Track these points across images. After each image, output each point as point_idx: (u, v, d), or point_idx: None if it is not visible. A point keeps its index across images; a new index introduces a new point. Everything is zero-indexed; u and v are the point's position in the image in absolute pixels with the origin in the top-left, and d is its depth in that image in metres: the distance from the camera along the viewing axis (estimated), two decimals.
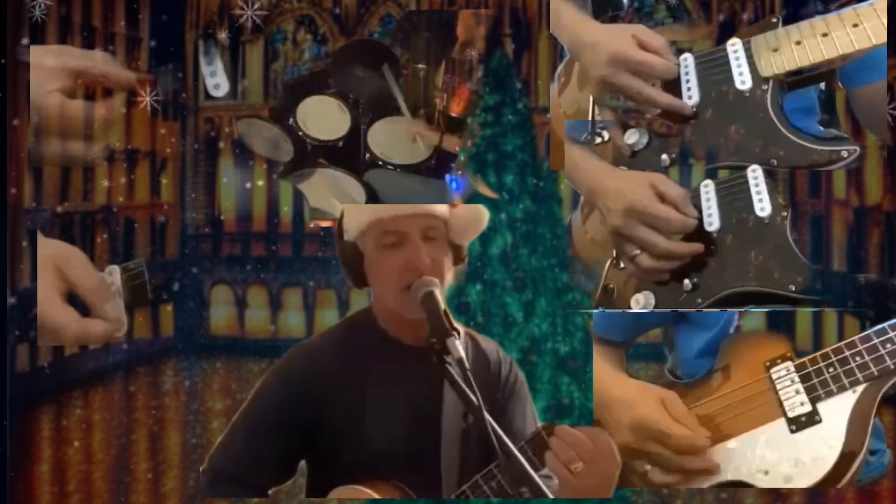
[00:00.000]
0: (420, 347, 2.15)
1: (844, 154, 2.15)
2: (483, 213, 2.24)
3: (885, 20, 2.17)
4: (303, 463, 2.26)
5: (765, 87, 2.22)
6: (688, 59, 2.29)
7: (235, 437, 2.21)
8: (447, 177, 2.83)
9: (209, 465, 2.22)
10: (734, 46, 2.26)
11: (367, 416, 2.17)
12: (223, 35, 2.00)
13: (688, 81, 2.27)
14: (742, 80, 2.24)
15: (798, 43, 2.24)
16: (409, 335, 2.20)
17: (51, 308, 1.61)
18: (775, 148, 2.19)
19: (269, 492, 2.21)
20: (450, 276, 2.18)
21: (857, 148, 2.16)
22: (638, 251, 2.26)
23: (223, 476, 2.20)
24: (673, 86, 2.30)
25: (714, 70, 2.27)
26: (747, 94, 2.23)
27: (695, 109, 2.26)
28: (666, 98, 2.28)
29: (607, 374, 2.35)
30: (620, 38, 2.28)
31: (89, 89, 1.84)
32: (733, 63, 2.25)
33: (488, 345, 2.31)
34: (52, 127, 1.76)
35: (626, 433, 2.23)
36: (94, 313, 1.64)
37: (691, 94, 2.26)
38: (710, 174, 2.32)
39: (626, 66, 2.25)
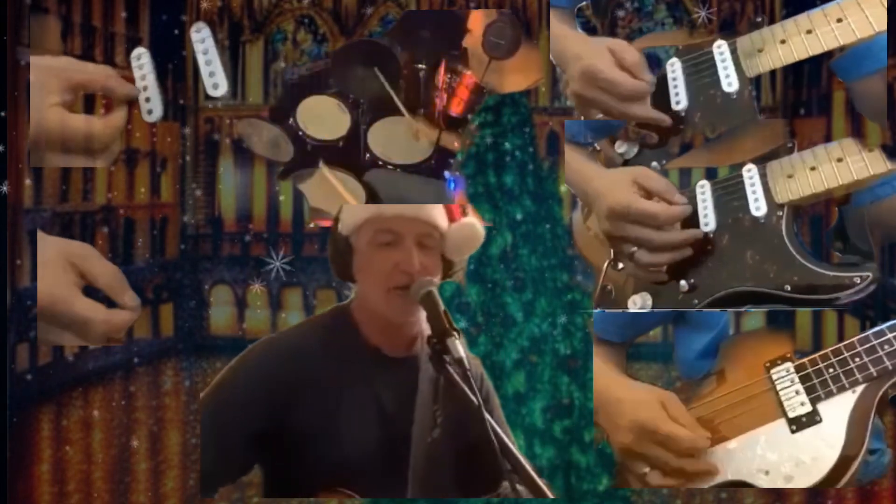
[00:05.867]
0: (398, 358, 2.14)
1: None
2: (479, 232, 2.21)
3: (868, 13, 2.17)
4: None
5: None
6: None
7: (204, 433, 2.18)
8: (446, 174, 2.83)
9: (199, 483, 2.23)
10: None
11: (333, 423, 2.14)
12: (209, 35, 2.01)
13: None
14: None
15: (783, 42, 2.24)
16: (388, 343, 2.17)
17: (75, 303, 1.62)
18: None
19: (218, 490, 2.18)
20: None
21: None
22: (635, 248, 2.26)
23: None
24: (660, 92, 2.30)
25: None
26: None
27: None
28: (640, 111, 2.27)
29: (607, 375, 2.34)
30: (596, 53, 2.26)
31: (88, 95, 1.84)
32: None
33: None
34: (53, 142, 1.76)
35: (626, 434, 2.23)
36: (113, 303, 1.66)
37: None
38: (709, 175, 2.33)
39: (595, 82, 2.25)
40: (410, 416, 2.12)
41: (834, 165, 2.18)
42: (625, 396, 2.26)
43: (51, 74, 1.74)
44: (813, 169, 2.20)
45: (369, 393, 2.14)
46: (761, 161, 2.25)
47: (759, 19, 2.25)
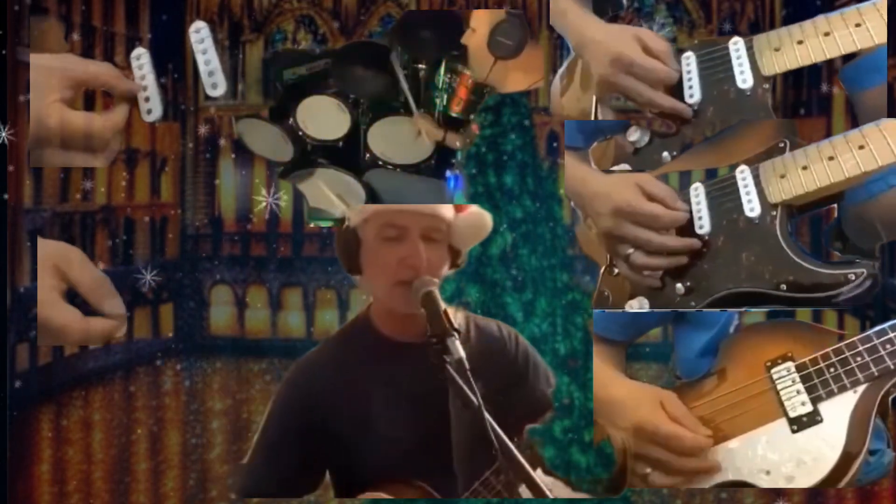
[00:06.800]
0: (414, 344, 2.15)
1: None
2: (487, 221, 2.24)
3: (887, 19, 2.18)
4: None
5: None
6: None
7: (257, 461, 2.23)
8: (447, 172, 2.83)
9: (241, 485, 2.25)
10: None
11: (375, 421, 2.17)
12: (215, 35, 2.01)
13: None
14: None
15: (800, 42, 2.24)
16: (402, 332, 2.20)
17: (52, 308, 1.60)
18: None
19: (305, 496, 2.25)
20: (441, 278, 2.18)
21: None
22: (631, 250, 2.26)
23: (255, 493, 2.24)
24: (675, 89, 2.30)
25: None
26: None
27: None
28: (667, 101, 2.28)
29: (606, 375, 2.35)
30: (624, 40, 2.28)
31: (88, 92, 1.84)
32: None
33: (489, 325, 2.32)
34: (53, 139, 1.75)
35: (625, 435, 2.23)
36: (95, 311, 1.63)
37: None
38: (709, 175, 2.33)
39: (628, 68, 2.26)
40: (444, 397, 2.13)
41: (826, 164, 2.18)
42: (624, 396, 2.26)
43: (51, 72, 1.73)
44: (805, 168, 2.19)
45: (398, 384, 2.17)
46: (754, 161, 2.26)
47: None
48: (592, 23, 2.35)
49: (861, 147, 2.15)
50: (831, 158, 2.17)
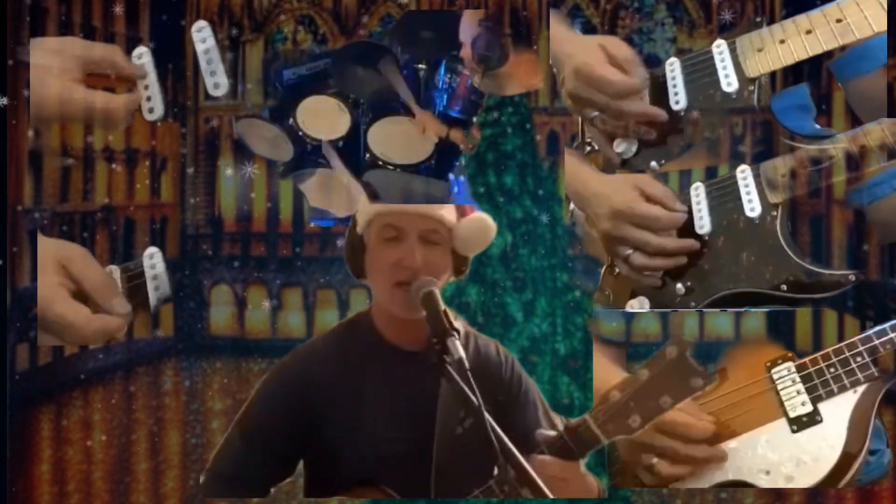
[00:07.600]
0: (415, 352, 2.15)
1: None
2: (490, 227, 2.23)
3: (867, 14, 2.18)
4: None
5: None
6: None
7: (234, 439, 2.22)
8: (450, 177, 2.83)
9: (210, 466, 2.23)
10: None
11: (361, 421, 2.17)
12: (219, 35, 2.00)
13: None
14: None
15: (782, 42, 2.25)
16: (404, 339, 2.20)
17: (61, 306, 1.62)
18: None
19: (271, 490, 2.22)
20: (443, 284, 2.17)
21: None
22: (630, 251, 2.27)
23: (223, 476, 2.21)
24: (660, 92, 2.31)
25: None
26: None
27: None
28: (636, 107, 2.29)
29: (604, 371, 2.35)
30: (587, 51, 2.29)
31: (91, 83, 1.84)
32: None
33: (488, 345, 2.31)
34: (55, 116, 1.75)
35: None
36: (101, 309, 1.64)
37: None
38: (709, 175, 2.33)
39: (587, 81, 2.26)
40: (433, 409, 2.13)
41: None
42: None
43: (56, 53, 1.74)
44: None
45: (390, 389, 2.17)
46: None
47: (759, 19, 2.26)
48: (567, 37, 2.36)
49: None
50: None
